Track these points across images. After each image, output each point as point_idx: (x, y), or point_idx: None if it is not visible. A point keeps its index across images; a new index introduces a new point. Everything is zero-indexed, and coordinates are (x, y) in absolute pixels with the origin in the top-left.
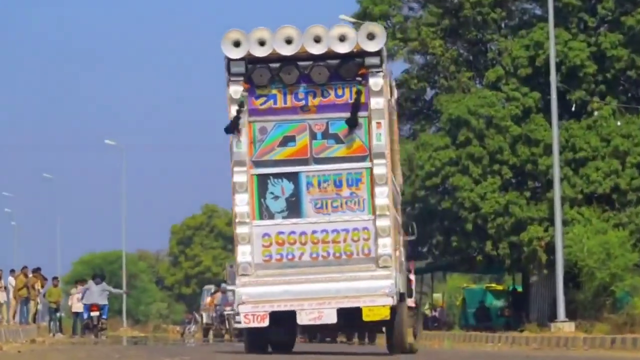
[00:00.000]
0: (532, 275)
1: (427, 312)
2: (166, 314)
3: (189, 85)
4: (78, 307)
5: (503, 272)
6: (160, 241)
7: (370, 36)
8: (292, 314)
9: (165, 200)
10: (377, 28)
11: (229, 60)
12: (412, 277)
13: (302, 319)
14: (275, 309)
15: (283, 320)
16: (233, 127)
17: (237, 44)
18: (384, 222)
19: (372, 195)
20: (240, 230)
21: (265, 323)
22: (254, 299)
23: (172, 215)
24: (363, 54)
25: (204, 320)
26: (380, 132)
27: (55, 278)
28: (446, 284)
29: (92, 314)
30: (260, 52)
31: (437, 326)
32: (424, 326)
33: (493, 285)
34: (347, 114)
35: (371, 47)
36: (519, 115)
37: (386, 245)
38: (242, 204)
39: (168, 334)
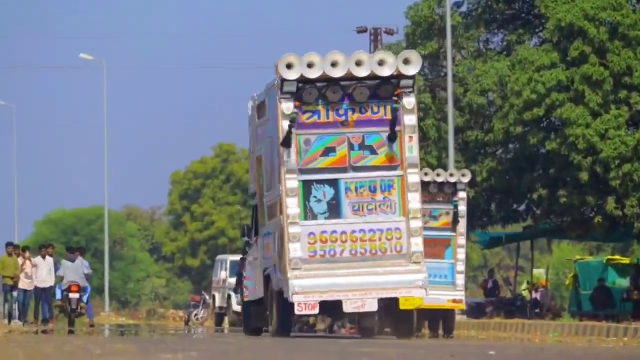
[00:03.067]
0: None
1: (525, 293)
2: (164, 294)
3: None
4: (25, 284)
5: (631, 240)
6: (156, 195)
7: (406, 61)
8: (337, 303)
9: (163, 139)
10: (413, 55)
11: (283, 80)
12: None
13: (347, 307)
14: (325, 298)
15: (329, 309)
16: (289, 141)
17: (289, 66)
18: (415, 224)
19: (402, 199)
20: (292, 230)
21: (316, 311)
22: (305, 290)
23: (172, 159)
24: (399, 76)
25: (217, 303)
26: (412, 145)
27: (11, 244)
28: (551, 256)
29: (72, 295)
30: (310, 74)
31: (539, 313)
32: (522, 313)
33: (617, 257)
34: (382, 129)
35: (409, 71)
36: None
37: (418, 244)
38: (293, 206)
39: (167, 321)
